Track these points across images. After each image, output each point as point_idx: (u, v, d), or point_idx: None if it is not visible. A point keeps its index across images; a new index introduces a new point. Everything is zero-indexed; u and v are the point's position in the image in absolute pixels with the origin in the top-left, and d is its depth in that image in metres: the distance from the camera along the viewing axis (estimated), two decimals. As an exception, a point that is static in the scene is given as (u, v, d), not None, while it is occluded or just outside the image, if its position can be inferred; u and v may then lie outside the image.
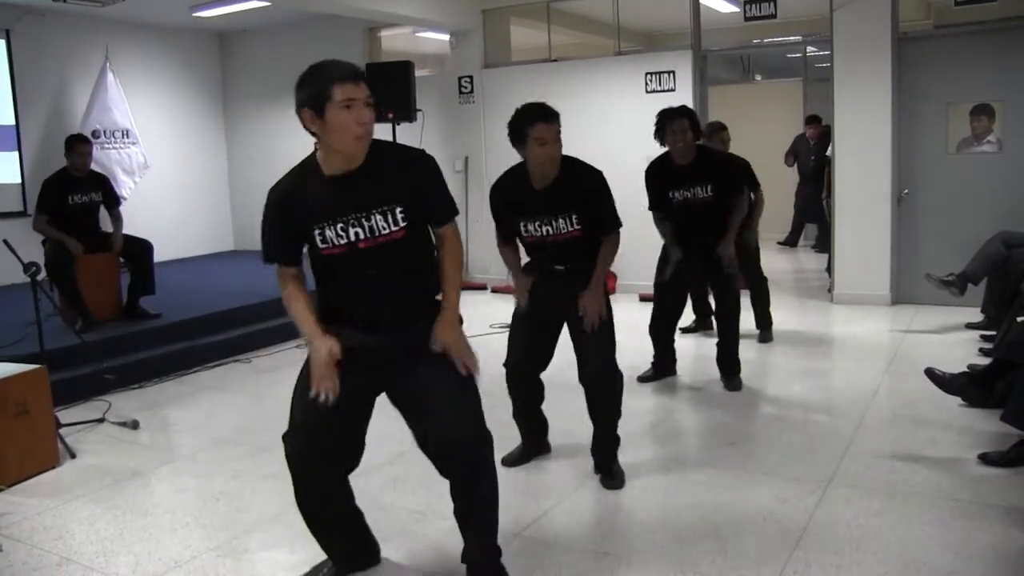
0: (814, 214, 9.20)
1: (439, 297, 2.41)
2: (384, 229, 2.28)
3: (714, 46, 7.61)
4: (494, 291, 7.84)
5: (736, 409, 4.33)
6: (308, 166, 2.36)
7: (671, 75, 7.21)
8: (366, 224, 2.28)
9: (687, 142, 4.23)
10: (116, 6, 6.34)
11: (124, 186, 8.03)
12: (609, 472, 3.37)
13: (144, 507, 3.37)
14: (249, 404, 4.83)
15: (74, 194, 5.67)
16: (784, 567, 2.65)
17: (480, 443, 2.42)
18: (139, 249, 5.88)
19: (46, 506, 3.39)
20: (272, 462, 3.79)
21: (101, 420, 4.45)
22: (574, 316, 3.27)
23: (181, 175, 9.40)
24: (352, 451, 2.53)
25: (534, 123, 3.10)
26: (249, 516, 3.23)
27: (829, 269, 7.15)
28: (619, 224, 3.31)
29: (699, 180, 4.32)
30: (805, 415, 4.25)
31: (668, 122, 4.25)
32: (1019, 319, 3.87)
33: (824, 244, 8.65)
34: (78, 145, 5.71)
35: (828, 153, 7.26)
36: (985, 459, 3.38)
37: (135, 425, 4.36)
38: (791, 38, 8.86)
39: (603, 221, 3.27)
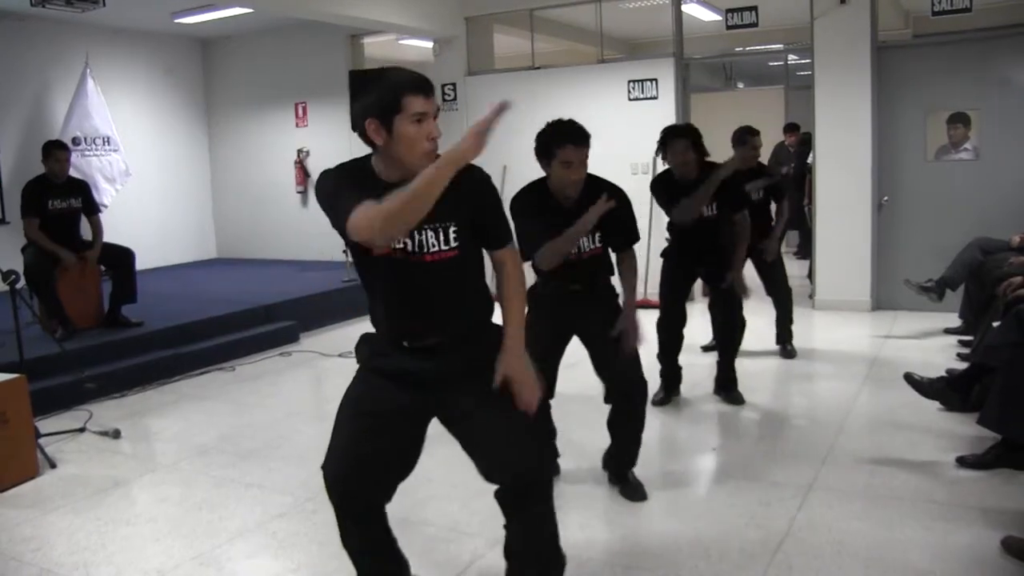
0: (795, 221, 9.27)
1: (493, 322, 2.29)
2: (434, 246, 2.15)
3: (696, 54, 7.67)
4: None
5: (717, 415, 4.36)
6: (362, 165, 2.19)
7: (654, 83, 7.26)
8: (417, 236, 2.14)
9: (688, 161, 4.15)
10: (96, 12, 6.30)
11: (106, 194, 7.98)
12: (628, 480, 3.36)
13: (125, 517, 3.34)
14: (232, 412, 4.81)
15: (53, 199, 5.62)
16: (766, 571, 2.67)
17: (539, 474, 2.31)
18: (121, 257, 5.84)
19: (25, 517, 3.36)
20: (255, 470, 3.79)
21: (82, 429, 4.41)
22: (596, 332, 3.22)
23: (163, 182, 9.35)
24: (396, 479, 2.39)
25: (564, 144, 3.02)
26: (232, 525, 3.22)
27: (810, 275, 7.21)
28: (638, 238, 3.33)
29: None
30: (786, 420, 4.29)
31: (670, 141, 4.17)
32: (995, 324, 3.92)
33: (805, 251, 8.71)
34: (56, 151, 5.66)
35: (809, 160, 7.34)
36: (963, 462, 3.42)
37: (116, 434, 4.32)
38: (772, 46, 8.95)
39: (625, 236, 3.27)
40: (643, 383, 3.27)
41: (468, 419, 2.26)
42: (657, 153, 4.32)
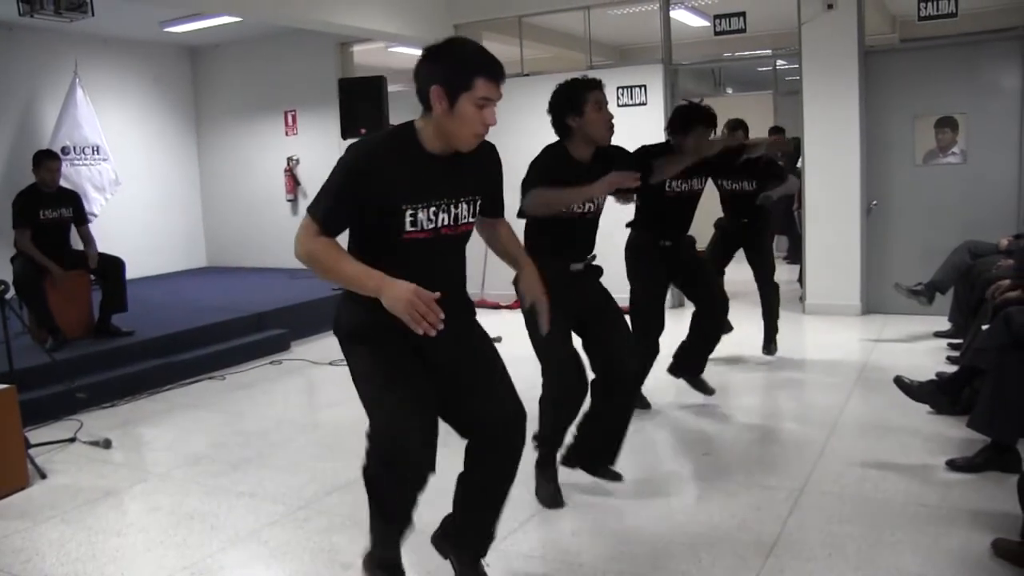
0: (785, 225, 9.32)
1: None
2: (463, 218, 2.27)
3: (685, 60, 7.70)
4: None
5: (709, 419, 4.37)
6: (404, 137, 2.20)
7: (643, 89, 7.29)
8: (453, 210, 2.23)
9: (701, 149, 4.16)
10: (85, 21, 6.27)
11: (95, 203, 7.95)
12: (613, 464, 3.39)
13: (116, 527, 3.33)
14: (223, 421, 4.80)
15: (45, 209, 5.61)
16: (758, 574, 2.68)
17: (524, 417, 2.42)
18: (111, 266, 5.82)
19: (15, 528, 3.34)
20: (247, 479, 3.78)
21: (72, 439, 4.39)
22: (595, 314, 3.22)
23: (153, 191, 9.32)
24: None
25: (592, 89, 3.13)
26: (224, 534, 3.21)
27: (800, 280, 7.24)
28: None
29: (696, 171, 4.25)
30: (777, 424, 4.30)
31: (696, 128, 4.08)
32: (984, 327, 3.95)
33: (795, 255, 8.76)
34: (47, 161, 5.65)
35: (798, 165, 7.37)
36: (952, 465, 3.44)
37: (107, 444, 4.30)
38: (761, 52, 9.00)
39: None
40: (640, 375, 3.27)
41: (460, 371, 2.36)
42: (675, 131, 4.18)
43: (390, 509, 2.43)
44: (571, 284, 3.21)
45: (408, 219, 2.16)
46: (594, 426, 3.31)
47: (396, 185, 2.14)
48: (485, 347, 2.43)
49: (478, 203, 2.32)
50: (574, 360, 3.16)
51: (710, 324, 4.46)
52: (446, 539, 2.61)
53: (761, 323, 5.51)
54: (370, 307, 2.14)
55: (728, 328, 5.34)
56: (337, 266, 2.12)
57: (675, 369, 4.59)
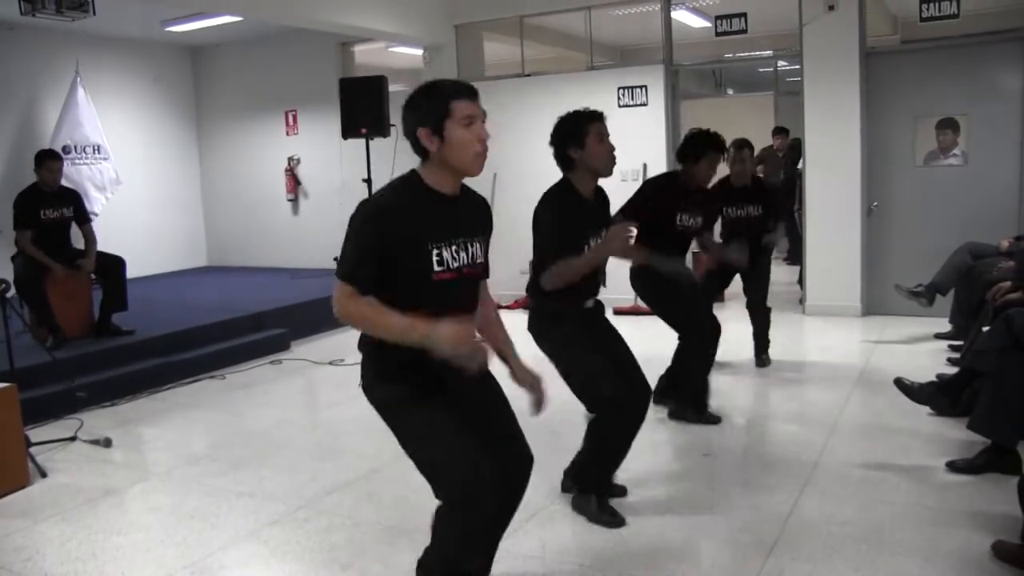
0: (785, 227, 9.31)
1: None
2: (478, 257, 2.29)
3: (686, 60, 7.71)
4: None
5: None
6: (411, 182, 2.22)
7: (643, 89, 7.29)
8: (470, 249, 2.26)
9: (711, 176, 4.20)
10: (87, 21, 6.28)
11: (96, 202, 7.94)
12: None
13: (117, 526, 3.33)
14: (223, 421, 4.80)
15: (46, 209, 5.61)
16: (758, 575, 2.69)
17: (532, 461, 2.46)
18: (111, 265, 5.82)
19: (16, 527, 3.34)
20: (247, 478, 3.78)
21: (73, 438, 4.39)
22: (608, 341, 3.25)
23: (154, 190, 9.32)
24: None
25: (594, 121, 3.09)
26: (224, 534, 3.21)
27: (801, 281, 7.24)
28: None
29: (704, 207, 4.23)
30: (778, 426, 4.30)
31: (708, 153, 4.08)
32: (984, 328, 3.95)
33: (795, 256, 8.75)
34: (48, 161, 5.65)
35: (799, 166, 7.37)
36: (952, 466, 3.44)
37: (107, 443, 4.31)
38: (761, 53, 8.99)
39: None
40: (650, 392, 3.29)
41: (481, 407, 2.38)
42: (686, 158, 4.13)
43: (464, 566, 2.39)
44: (583, 319, 3.22)
45: (435, 258, 2.17)
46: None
47: (417, 224, 2.14)
48: (499, 389, 2.44)
49: (485, 244, 2.35)
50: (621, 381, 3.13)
51: (696, 359, 4.33)
52: None
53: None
54: (403, 366, 2.19)
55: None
56: (381, 322, 2.11)
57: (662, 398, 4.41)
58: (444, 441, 2.21)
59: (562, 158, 3.13)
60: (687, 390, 4.33)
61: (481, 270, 2.35)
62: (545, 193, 3.16)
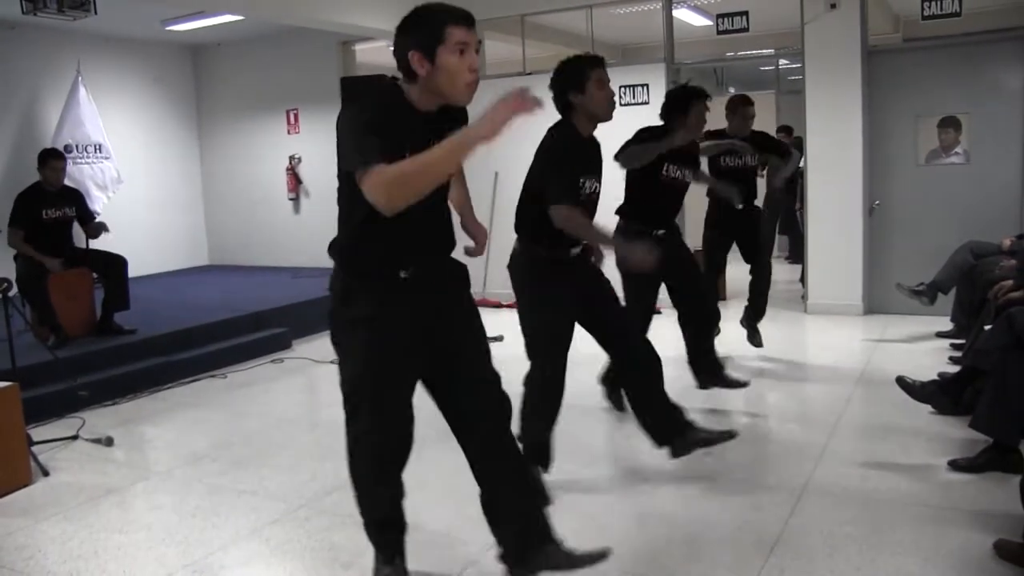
0: (787, 225, 9.32)
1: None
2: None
3: (687, 59, 7.70)
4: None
5: (710, 419, 4.36)
6: (394, 94, 2.20)
7: (645, 88, 7.28)
8: None
9: (704, 123, 4.20)
10: (88, 20, 6.29)
11: (97, 201, 7.95)
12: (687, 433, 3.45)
13: (118, 525, 3.33)
14: (225, 420, 4.80)
15: (48, 209, 5.61)
16: (759, 574, 2.68)
17: (511, 406, 2.51)
18: (113, 264, 5.83)
19: (18, 525, 3.35)
20: (248, 477, 3.79)
21: (75, 437, 4.40)
22: (603, 297, 3.27)
23: (155, 189, 9.33)
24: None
25: (595, 66, 3.12)
26: (225, 532, 3.21)
27: (802, 280, 7.23)
28: None
29: (691, 161, 4.26)
30: (778, 424, 4.30)
31: (696, 103, 4.09)
32: (986, 327, 3.94)
33: (797, 255, 8.75)
34: (52, 160, 5.66)
35: (801, 164, 7.36)
36: (954, 465, 3.44)
37: (109, 442, 4.31)
38: (763, 51, 8.99)
39: None
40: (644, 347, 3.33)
41: (457, 358, 2.41)
42: (673, 113, 4.13)
43: (374, 518, 2.52)
44: (573, 269, 3.24)
45: None
46: (649, 406, 3.40)
47: (398, 134, 2.10)
48: (478, 327, 2.47)
49: None
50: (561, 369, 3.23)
51: (700, 323, 4.44)
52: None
53: (764, 323, 5.46)
54: (370, 298, 2.26)
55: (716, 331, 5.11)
56: (424, 162, 1.98)
57: (702, 379, 4.52)
58: (368, 389, 2.32)
59: (562, 102, 3.16)
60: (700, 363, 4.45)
61: (447, 185, 2.33)
62: (549, 129, 3.20)
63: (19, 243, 5.49)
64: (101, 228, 5.82)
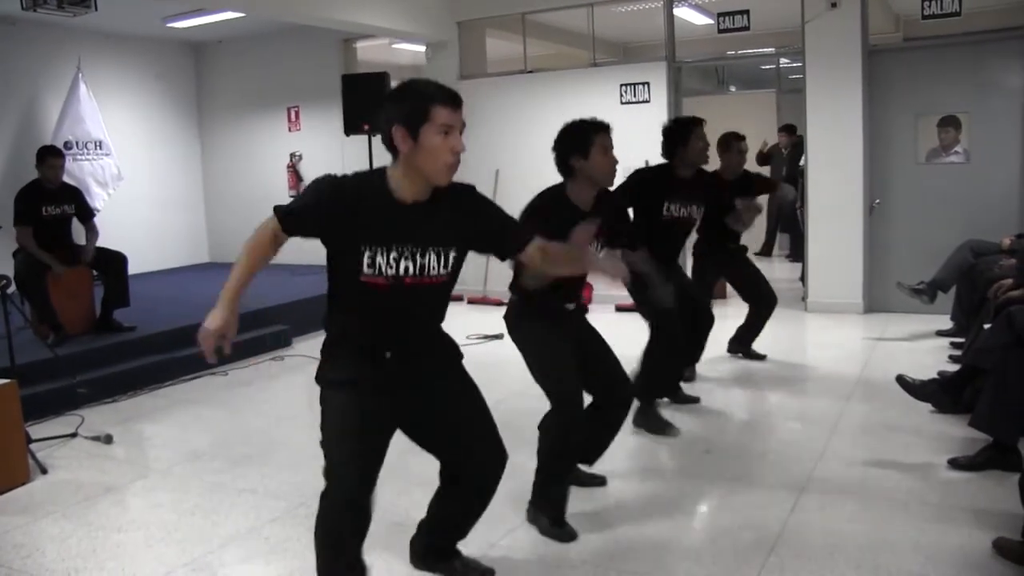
0: (788, 224, 9.32)
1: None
2: (432, 269, 2.21)
3: (688, 57, 7.69)
4: (470, 302, 7.85)
5: (710, 418, 4.37)
6: (373, 180, 2.21)
7: (646, 86, 7.28)
8: (419, 260, 2.19)
9: (706, 148, 4.13)
10: (88, 16, 6.28)
11: (98, 198, 7.95)
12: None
13: (117, 523, 3.33)
14: (225, 417, 4.80)
15: (48, 206, 5.61)
16: (759, 573, 2.68)
17: (503, 464, 2.49)
18: (113, 261, 5.82)
19: (15, 523, 3.34)
20: (248, 475, 3.78)
21: (74, 435, 4.39)
22: (590, 347, 3.18)
23: (156, 186, 9.33)
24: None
25: (600, 132, 3.08)
26: (224, 530, 3.21)
27: (803, 278, 7.23)
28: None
29: (696, 197, 4.18)
30: (779, 423, 4.29)
31: (695, 129, 4.07)
32: (986, 326, 3.94)
33: (798, 253, 8.75)
34: (50, 158, 5.64)
35: (801, 163, 7.36)
36: (954, 464, 3.44)
37: (109, 439, 4.31)
38: (764, 50, 8.98)
39: (630, 238, 3.30)
40: (631, 399, 3.27)
41: (437, 420, 2.41)
42: (674, 146, 4.11)
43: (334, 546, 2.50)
44: (568, 321, 3.17)
45: (366, 260, 2.17)
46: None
47: (358, 221, 2.15)
48: (468, 393, 2.44)
49: (451, 255, 2.24)
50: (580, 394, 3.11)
51: (675, 357, 4.34)
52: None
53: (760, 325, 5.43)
54: (352, 363, 2.36)
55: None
56: (240, 260, 2.27)
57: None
58: (336, 436, 2.40)
59: (563, 165, 3.10)
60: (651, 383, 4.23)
61: (439, 281, 2.25)
62: (538, 194, 3.14)
63: (29, 241, 5.47)
64: (91, 251, 5.78)
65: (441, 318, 2.42)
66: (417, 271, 2.20)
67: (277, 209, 2.23)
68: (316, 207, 2.21)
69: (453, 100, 2.14)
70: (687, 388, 4.68)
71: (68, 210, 5.74)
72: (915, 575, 2.61)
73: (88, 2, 5.92)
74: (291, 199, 2.28)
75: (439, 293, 2.32)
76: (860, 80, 6.41)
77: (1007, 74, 6.13)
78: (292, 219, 2.23)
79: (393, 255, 2.17)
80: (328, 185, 2.20)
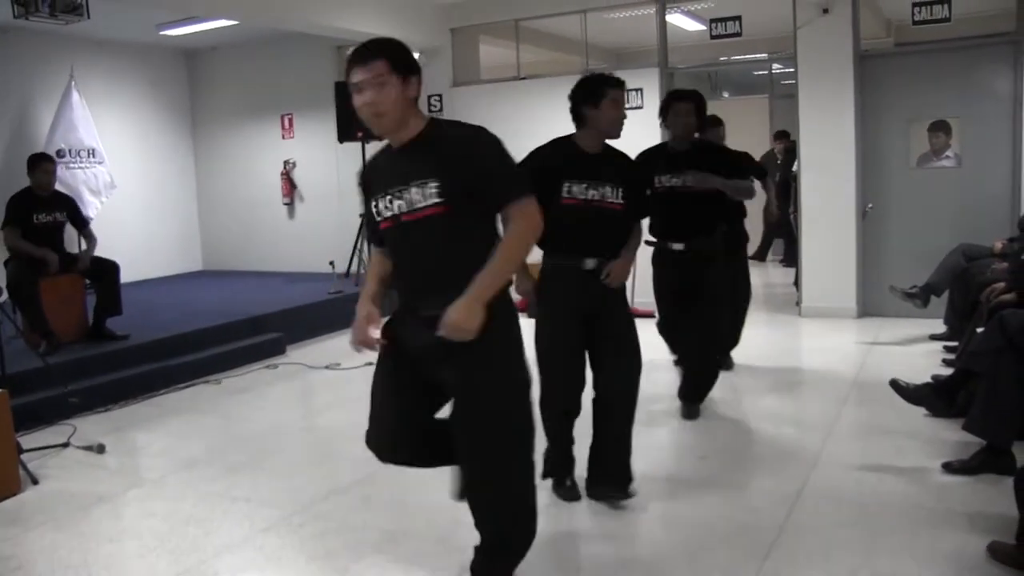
0: (781, 229, 9.33)
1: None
2: (417, 203, 2.28)
3: (681, 63, 7.71)
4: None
5: (706, 423, 4.36)
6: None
7: (639, 92, 7.30)
8: (405, 196, 2.31)
9: (689, 124, 4.14)
10: (81, 24, 6.26)
11: (91, 206, 7.91)
12: (627, 482, 3.30)
13: (110, 533, 3.31)
14: (219, 426, 4.78)
15: (39, 213, 5.59)
16: (754, 579, 2.68)
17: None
18: (105, 269, 5.79)
19: (6, 535, 3.32)
20: (242, 484, 3.77)
21: (65, 445, 4.36)
22: (606, 319, 3.20)
23: (149, 194, 9.30)
24: (421, 441, 2.53)
25: (614, 87, 3.22)
26: (218, 539, 3.19)
27: (797, 283, 7.24)
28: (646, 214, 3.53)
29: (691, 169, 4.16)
30: (774, 428, 4.29)
31: (673, 104, 4.17)
32: (978, 329, 3.95)
33: (791, 258, 8.76)
34: (42, 164, 5.63)
35: (794, 168, 7.37)
36: (948, 467, 3.44)
37: (101, 449, 4.28)
38: (757, 56, 9.01)
39: (640, 206, 3.37)
40: (633, 399, 3.26)
41: (454, 391, 2.41)
42: (661, 115, 4.28)
43: None
44: (583, 285, 3.18)
45: (374, 210, 2.40)
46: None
47: (371, 179, 2.45)
48: (470, 401, 2.37)
49: (432, 186, 2.26)
50: (568, 387, 3.21)
51: (695, 358, 4.39)
52: None
53: (755, 326, 5.42)
54: (398, 318, 2.48)
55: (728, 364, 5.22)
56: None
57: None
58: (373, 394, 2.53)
59: (575, 113, 3.26)
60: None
61: (429, 214, 2.26)
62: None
63: (16, 241, 5.45)
64: (88, 256, 5.77)
65: (466, 267, 2.24)
66: (408, 207, 2.31)
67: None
68: (367, 211, 2.47)
69: (353, 58, 2.33)
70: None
71: (60, 217, 5.72)
72: (910, 579, 2.61)
73: (80, 10, 5.90)
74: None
75: (445, 228, 2.28)
76: (852, 85, 6.44)
77: (997, 79, 6.17)
78: (369, 236, 2.66)
79: (388, 198, 2.35)
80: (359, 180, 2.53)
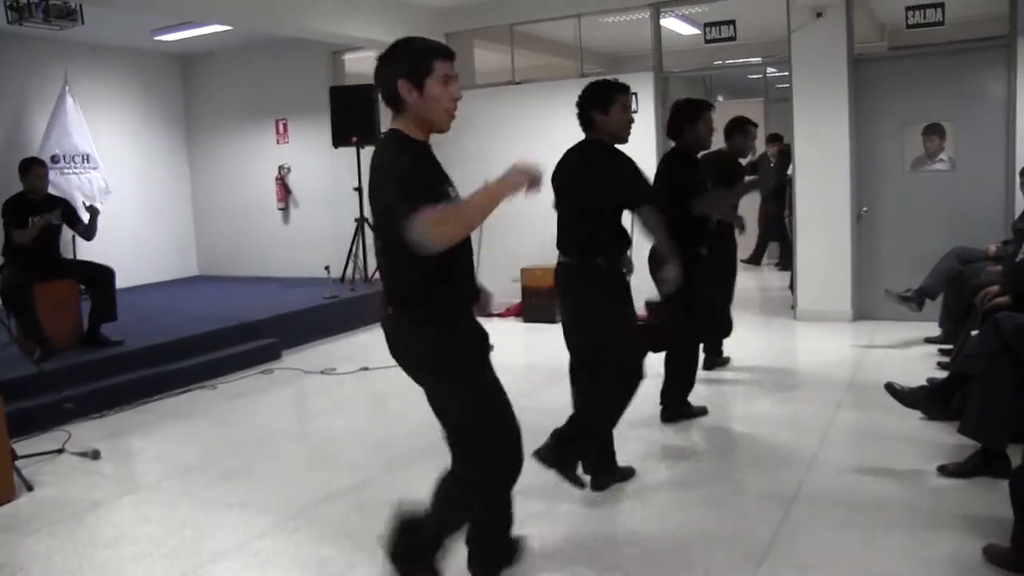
0: (776, 232, 9.36)
1: None
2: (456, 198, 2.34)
3: (675, 67, 7.73)
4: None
5: (701, 426, 4.37)
6: (402, 139, 2.33)
7: (633, 96, 7.28)
8: (453, 191, 2.36)
9: (712, 131, 4.30)
10: (75, 29, 6.27)
11: (85, 212, 7.91)
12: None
13: (105, 539, 3.30)
14: (214, 431, 4.77)
15: (33, 216, 5.57)
16: (750, 583, 2.68)
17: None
18: (100, 275, 5.79)
19: (1, 542, 3.31)
20: (237, 490, 3.76)
21: (60, 451, 4.35)
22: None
23: (143, 200, 9.29)
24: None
25: (623, 92, 3.34)
26: (214, 545, 3.18)
27: (792, 287, 7.25)
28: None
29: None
30: (769, 431, 4.29)
31: (704, 113, 4.26)
32: (973, 333, 3.96)
33: (786, 262, 8.78)
34: (34, 168, 5.62)
35: (789, 172, 7.40)
36: (944, 471, 3.45)
37: (96, 455, 4.27)
38: (751, 59, 9.04)
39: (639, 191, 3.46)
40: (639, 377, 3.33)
41: None
42: (683, 123, 4.26)
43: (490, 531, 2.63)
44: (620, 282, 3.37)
45: (452, 193, 2.33)
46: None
47: (432, 172, 2.33)
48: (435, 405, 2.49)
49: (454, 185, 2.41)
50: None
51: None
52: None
53: (751, 329, 5.47)
54: (458, 332, 2.38)
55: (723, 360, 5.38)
56: (461, 214, 2.19)
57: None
58: (491, 410, 2.45)
59: (584, 118, 3.35)
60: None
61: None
62: (582, 150, 3.40)
63: (23, 233, 5.43)
64: (93, 222, 5.76)
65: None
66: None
67: (405, 209, 2.13)
68: (419, 180, 2.28)
69: (449, 53, 2.37)
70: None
71: (54, 220, 5.70)
72: (906, 582, 2.62)
73: (75, 15, 5.91)
74: (396, 193, 2.19)
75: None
76: (846, 89, 6.46)
77: (990, 82, 6.19)
78: (423, 199, 2.16)
79: (452, 189, 2.35)
80: (405, 157, 2.31)
